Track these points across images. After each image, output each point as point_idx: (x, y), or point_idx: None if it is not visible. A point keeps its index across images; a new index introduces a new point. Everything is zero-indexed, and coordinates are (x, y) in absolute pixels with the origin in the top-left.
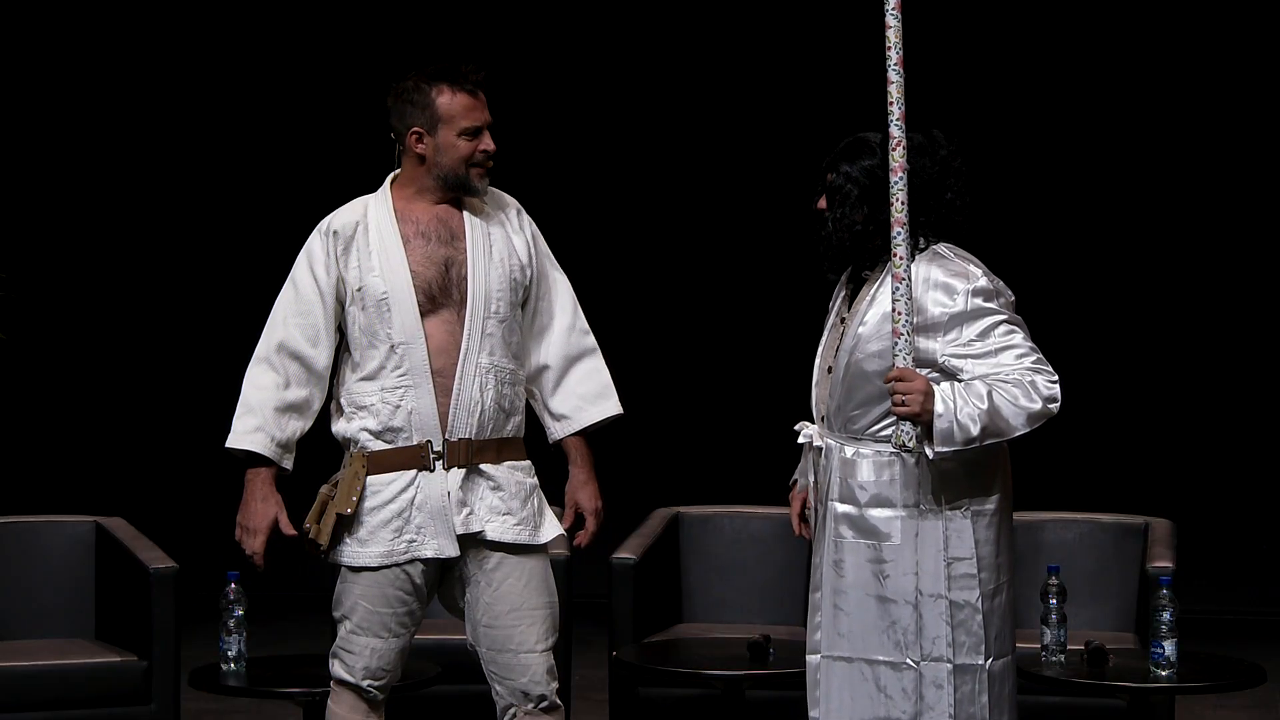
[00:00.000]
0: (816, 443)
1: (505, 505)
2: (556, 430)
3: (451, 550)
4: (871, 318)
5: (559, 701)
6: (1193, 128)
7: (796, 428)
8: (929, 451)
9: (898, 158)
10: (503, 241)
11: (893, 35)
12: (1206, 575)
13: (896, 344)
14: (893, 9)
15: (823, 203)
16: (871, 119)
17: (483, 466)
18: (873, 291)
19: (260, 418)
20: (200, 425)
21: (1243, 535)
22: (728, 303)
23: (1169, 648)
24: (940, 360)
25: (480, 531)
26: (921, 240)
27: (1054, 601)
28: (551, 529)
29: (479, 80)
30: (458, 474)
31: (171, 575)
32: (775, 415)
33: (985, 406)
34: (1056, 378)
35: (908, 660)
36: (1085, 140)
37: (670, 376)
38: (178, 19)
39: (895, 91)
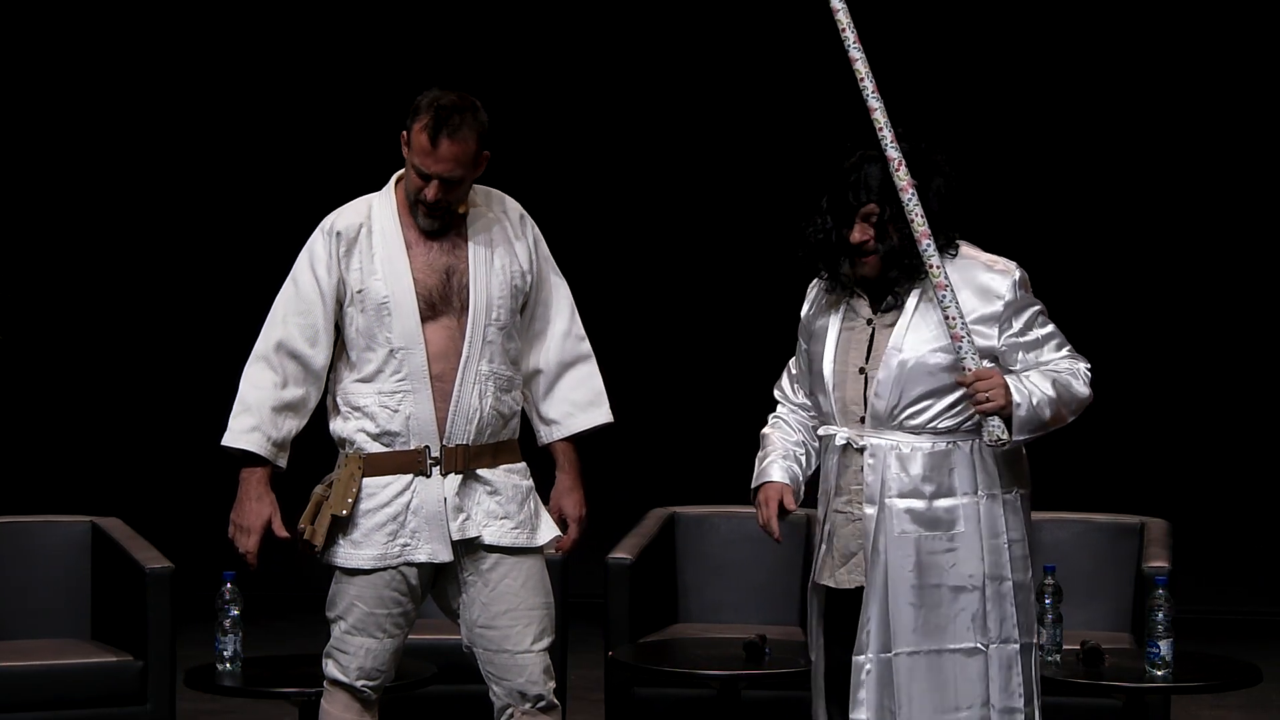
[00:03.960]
0: (857, 444)
1: (503, 509)
2: (545, 434)
3: (446, 556)
4: (921, 319)
5: (556, 701)
6: (1193, 131)
7: (820, 431)
8: (1010, 439)
9: (903, 177)
10: (504, 248)
11: (860, 67)
12: (1202, 575)
13: (960, 348)
14: (854, 44)
15: (860, 234)
16: (871, 121)
17: (479, 471)
18: (914, 293)
19: (257, 417)
20: (197, 425)
21: (1239, 535)
22: (724, 304)
23: (1165, 647)
24: (998, 351)
25: (477, 537)
26: (942, 239)
27: (1050, 601)
28: (548, 530)
29: (453, 133)
30: (454, 480)
31: (167, 575)
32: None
33: (1052, 394)
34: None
35: (978, 645)
36: (1081, 142)
37: (666, 377)
38: (178, 19)
39: (880, 117)
